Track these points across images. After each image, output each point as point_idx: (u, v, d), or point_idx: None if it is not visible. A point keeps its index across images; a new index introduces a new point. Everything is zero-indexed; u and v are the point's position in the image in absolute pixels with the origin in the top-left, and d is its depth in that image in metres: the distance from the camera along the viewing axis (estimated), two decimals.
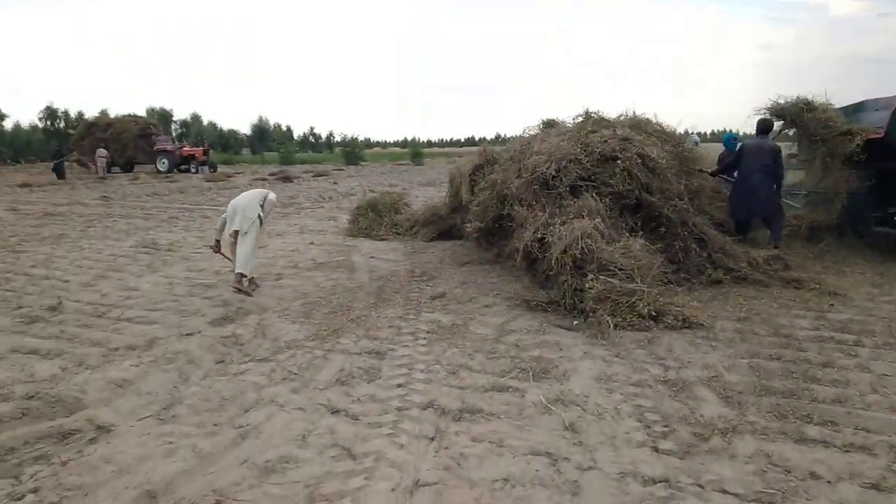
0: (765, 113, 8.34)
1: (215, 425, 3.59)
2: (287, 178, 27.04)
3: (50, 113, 55.33)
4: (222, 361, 4.64)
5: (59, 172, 27.64)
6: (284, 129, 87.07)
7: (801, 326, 5.24)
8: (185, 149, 36.18)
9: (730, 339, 4.93)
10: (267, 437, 3.42)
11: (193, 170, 33.88)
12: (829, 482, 2.91)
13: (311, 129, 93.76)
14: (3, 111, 51.51)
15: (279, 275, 7.55)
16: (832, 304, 5.91)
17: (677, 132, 8.39)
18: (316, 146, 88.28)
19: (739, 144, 8.46)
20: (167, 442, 3.39)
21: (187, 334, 5.19)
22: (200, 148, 36.92)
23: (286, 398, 3.94)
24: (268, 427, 3.55)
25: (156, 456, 3.24)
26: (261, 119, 75.33)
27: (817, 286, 6.44)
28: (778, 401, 3.78)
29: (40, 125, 56.05)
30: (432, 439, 3.36)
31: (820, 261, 7.64)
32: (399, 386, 4.11)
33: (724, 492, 2.82)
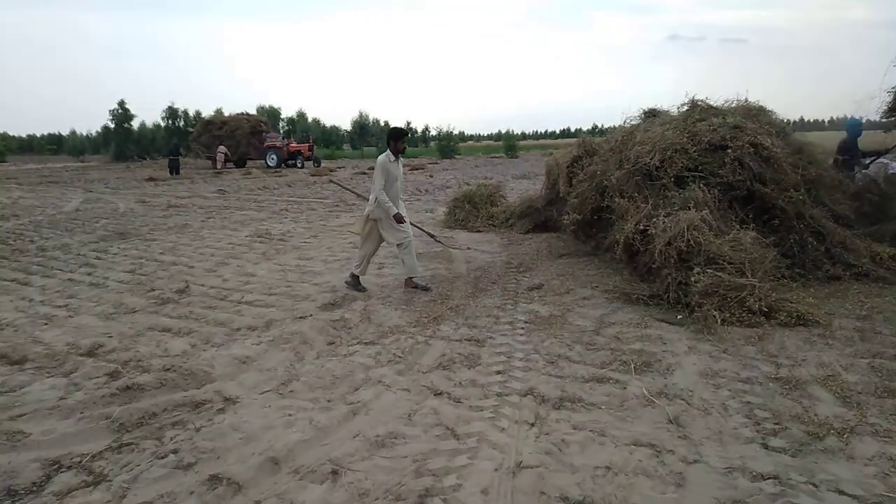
0: None
1: (329, 401, 3.85)
2: None
3: (171, 112, 59.89)
4: (333, 343, 4.94)
5: (174, 168, 29.73)
6: (383, 124, 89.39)
7: None
8: (292, 145, 38.10)
9: (849, 338, 4.64)
10: (376, 414, 3.63)
11: (299, 164, 35.62)
12: None
13: (408, 123, 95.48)
14: (131, 111, 56.26)
15: (381, 264, 7.86)
16: None
17: (789, 121, 7.89)
18: (412, 140, 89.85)
19: None
20: (287, 414, 3.68)
21: (301, 317, 5.56)
22: (306, 144, 38.73)
23: (392, 379, 4.15)
24: (376, 405, 3.76)
25: (277, 426, 3.53)
26: (361, 115, 77.65)
27: None
28: None
29: (162, 124, 60.78)
30: (532, 425, 3.44)
31: None
32: (498, 373, 4.21)
33: (841, 492, 2.70)
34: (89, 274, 7.71)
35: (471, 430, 3.40)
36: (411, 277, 6.53)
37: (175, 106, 60.21)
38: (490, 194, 11.82)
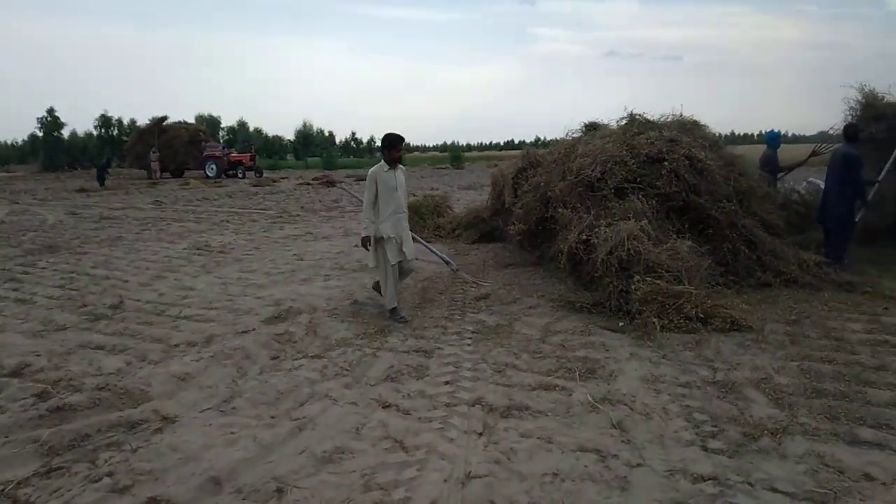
0: (855, 117, 8.13)
1: (273, 417, 3.76)
2: (330, 183, 27.52)
3: (104, 121, 57.53)
4: (277, 357, 4.82)
5: (101, 180, 28.55)
6: (327, 134, 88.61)
7: (854, 330, 5.14)
8: (233, 154, 37.19)
9: (780, 342, 4.87)
10: (322, 429, 3.57)
11: (240, 175, 34.81)
12: (883, 484, 2.87)
13: (353, 134, 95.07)
14: (62, 119, 53.74)
15: (327, 276, 7.75)
16: (886, 308, 5.76)
17: (721, 135, 8.29)
18: (357, 151, 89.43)
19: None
20: (229, 432, 3.56)
21: (243, 332, 5.41)
22: (247, 154, 37.90)
23: (339, 393, 4.09)
24: (323, 420, 3.69)
25: (218, 445, 3.41)
26: (305, 125, 76.75)
27: (870, 290, 6.29)
28: (830, 403, 3.73)
29: (95, 133, 58.30)
30: (481, 434, 3.45)
31: (875, 264, 7.42)
32: (447, 383, 4.21)
33: (775, 490, 2.82)
34: (15, 290, 7.28)
35: (419, 441, 3.38)
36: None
37: (109, 114, 57.93)
38: (436, 205, 11.85)
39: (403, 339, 5.16)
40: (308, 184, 27.65)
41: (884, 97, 8.44)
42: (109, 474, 3.12)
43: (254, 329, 5.49)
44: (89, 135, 59.80)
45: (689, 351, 4.74)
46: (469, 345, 5.02)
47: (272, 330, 5.44)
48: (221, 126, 71.88)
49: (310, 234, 11.89)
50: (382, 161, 5.82)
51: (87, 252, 9.96)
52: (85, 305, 6.46)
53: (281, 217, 14.96)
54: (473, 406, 3.82)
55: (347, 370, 4.50)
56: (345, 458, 3.24)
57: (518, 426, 3.54)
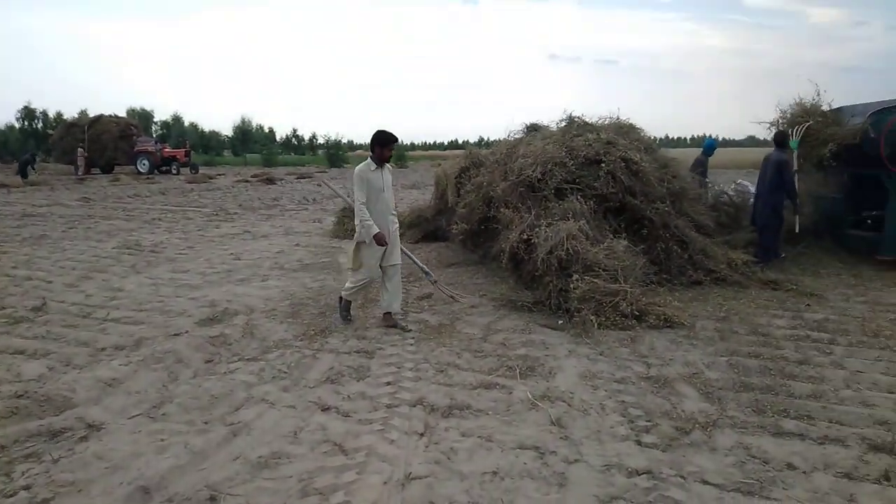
0: (782, 125, 8.53)
1: (206, 423, 3.62)
2: (270, 180, 26.95)
3: (27, 113, 54.34)
4: (211, 361, 4.66)
5: (23, 174, 27.19)
6: (267, 130, 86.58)
7: (779, 326, 5.40)
8: (167, 150, 35.86)
9: (710, 338, 5.07)
10: (258, 434, 3.46)
11: (175, 171, 33.60)
12: (804, 472, 3.02)
13: (294, 130, 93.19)
14: None
15: (265, 276, 7.56)
16: (808, 305, 6.09)
17: (656, 138, 8.57)
18: (298, 148, 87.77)
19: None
20: (159, 439, 3.41)
21: (175, 334, 5.20)
22: (182, 149, 36.62)
23: (276, 396, 3.98)
24: (259, 424, 3.59)
25: (148, 452, 3.26)
26: (243, 121, 74.61)
27: (794, 287, 6.64)
28: (756, 396, 3.90)
29: (17, 125, 55.02)
30: (422, 435, 3.43)
31: (797, 263, 7.85)
32: (388, 384, 4.17)
33: (705, 482, 2.93)
34: None
35: (359, 444, 3.33)
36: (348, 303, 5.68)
37: (32, 106, 54.71)
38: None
39: (344, 340, 5.09)
40: (247, 181, 26.95)
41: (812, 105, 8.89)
42: (27, 487, 2.94)
43: (187, 331, 5.28)
44: (10, 127, 56.34)
45: (625, 347, 4.87)
46: (411, 345, 5.00)
47: (206, 332, 5.25)
48: (155, 120, 69.14)
49: (248, 232, 11.58)
50: (369, 160, 5.39)
51: (6, 251, 9.36)
52: (4, 308, 6.07)
53: (217, 215, 14.51)
54: (415, 406, 3.80)
55: (286, 373, 4.39)
56: (281, 463, 3.15)
57: (459, 426, 3.54)
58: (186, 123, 74.26)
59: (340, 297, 5.68)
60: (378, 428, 3.51)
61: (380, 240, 5.27)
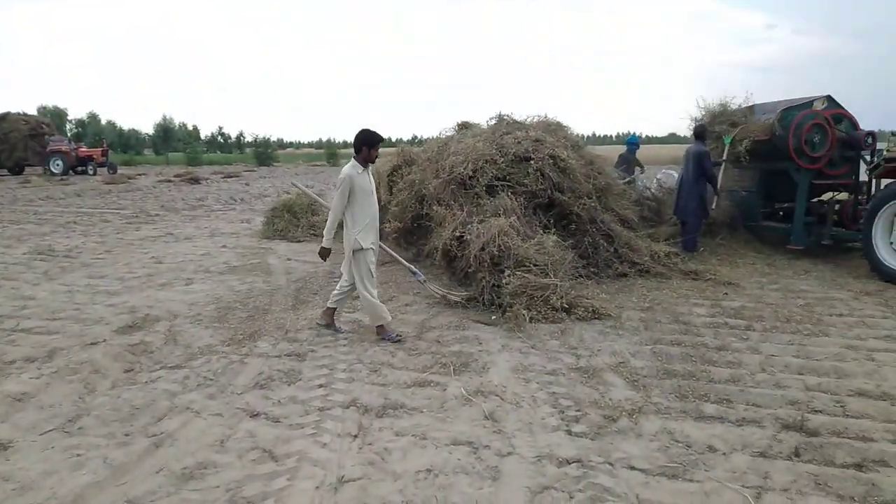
0: (700, 119, 8.93)
1: (126, 435, 3.44)
2: (194, 180, 25.95)
3: None
4: (131, 370, 4.43)
5: None
6: (191, 128, 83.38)
7: (699, 314, 5.66)
8: (82, 149, 33.86)
9: (635, 328, 5.26)
10: (183, 445, 3.32)
11: (91, 171, 31.80)
12: (724, 454, 3.17)
13: (220, 128, 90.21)
14: None
15: (189, 279, 7.27)
16: (726, 293, 6.41)
17: (583, 135, 8.86)
18: (225, 146, 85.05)
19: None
20: (74, 455, 3.22)
21: (92, 343, 4.91)
22: (99, 149, 34.70)
23: (202, 404, 3.83)
24: (183, 434, 3.44)
25: (62, 470, 3.07)
26: (165, 118, 71.59)
27: (713, 277, 6.98)
28: (679, 382, 4.07)
29: None
30: (355, 436, 3.38)
31: (715, 254, 8.25)
32: (320, 386, 4.09)
33: (632, 468, 3.03)
34: None
35: (290, 449, 3.25)
36: (334, 310, 5.34)
37: None
38: (311, 203, 11.53)
39: (274, 344, 4.95)
40: (169, 181, 25.85)
41: (728, 104, 9.37)
42: None
43: (104, 340, 5.00)
44: None
45: (556, 340, 4.98)
46: (344, 345, 4.93)
47: (126, 340, 4.99)
48: (69, 118, 65.33)
49: (170, 234, 11.09)
50: (355, 162, 4.99)
51: None
52: None
53: (137, 217, 13.83)
54: (348, 408, 3.74)
55: (212, 380, 4.23)
56: (208, 473, 3.03)
57: (393, 425, 3.51)
58: (103, 121, 70.57)
59: (330, 310, 5.32)
60: (310, 432, 3.44)
61: (322, 255, 5.32)
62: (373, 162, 5.17)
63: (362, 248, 5.00)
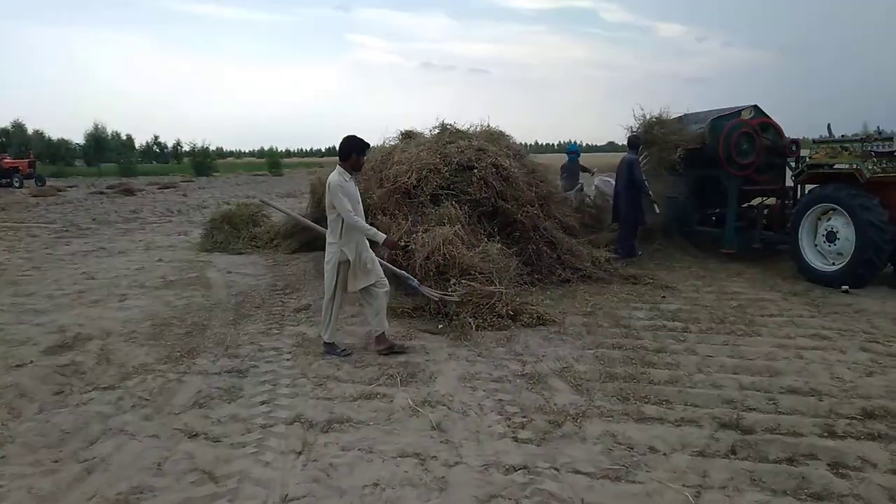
0: (634, 129, 9.20)
1: (55, 461, 3.26)
2: (128, 191, 24.97)
3: None
4: (61, 392, 4.21)
5: None
6: (124, 137, 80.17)
7: (639, 317, 5.82)
8: (7, 160, 32.07)
9: (578, 333, 5.36)
10: (117, 469, 3.16)
11: (17, 184, 30.14)
12: (665, 454, 3.26)
13: (156, 137, 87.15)
14: None
15: (123, 295, 6.97)
16: (664, 297, 6.63)
17: (525, 144, 9.03)
18: (161, 156, 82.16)
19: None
20: None
21: (17, 366, 4.63)
22: (25, 160, 32.94)
23: (137, 426, 3.67)
24: (117, 458, 3.28)
25: None
26: (97, 127, 68.43)
27: (651, 281, 7.20)
28: (621, 385, 4.17)
29: None
30: (300, 453, 3.31)
31: (653, 259, 8.53)
32: (263, 403, 3.98)
33: (577, 472, 3.07)
34: None
35: (231, 469, 3.15)
36: (383, 333, 4.91)
37: None
38: (252, 214, 11.29)
39: (214, 360, 4.80)
40: (102, 193, 24.78)
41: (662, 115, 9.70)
42: None
43: (31, 361, 4.72)
44: None
45: (502, 347, 5.02)
46: (288, 360, 4.82)
47: (55, 361, 4.73)
48: None
49: (103, 249, 10.61)
50: (342, 169, 4.74)
51: None
52: None
53: (68, 231, 13.18)
54: (292, 424, 3.66)
55: (147, 400, 4.06)
56: (144, 498, 2.90)
57: (339, 440, 3.45)
58: (30, 131, 66.90)
59: (379, 338, 4.90)
60: (252, 450, 3.34)
61: (391, 244, 5.08)
62: (359, 170, 5.02)
63: (348, 261, 4.75)
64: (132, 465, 3.21)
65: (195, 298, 6.83)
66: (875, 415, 3.65)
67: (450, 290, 5.64)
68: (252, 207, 11.70)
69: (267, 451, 3.34)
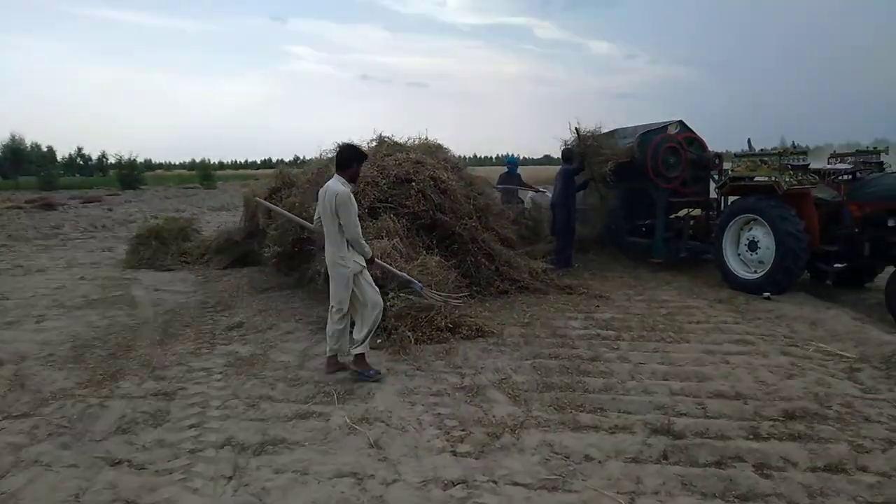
0: (568, 143, 9.40)
1: None
2: (49, 206, 23.59)
3: None
4: None
5: None
6: (45, 149, 75.89)
7: (574, 327, 5.93)
8: None
9: (516, 344, 5.41)
10: (30, 503, 2.95)
11: None
12: (599, 462, 3.32)
13: (79, 149, 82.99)
14: None
15: (41, 316, 6.55)
16: (598, 306, 6.79)
17: (464, 157, 9.10)
18: (85, 169, 78.28)
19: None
20: None
21: None
22: None
23: (54, 456, 3.44)
24: (30, 492, 3.06)
25: None
26: (14, 138, 64.51)
27: (586, 291, 7.37)
28: (557, 395, 4.22)
29: None
30: (230, 478, 3.17)
31: (587, 269, 8.73)
32: (191, 427, 3.81)
33: (515, 483, 3.08)
34: None
35: (157, 498, 2.99)
36: (361, 354, 4.65)
37: None
38: (181, 228, 10.87)
39: (139, 383, 4.56)
40: (20, 207, 23.33)
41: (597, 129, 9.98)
42: None
43: None
44: None
45: (441, 360, 5.00)
46: (219, 380, 4.64)
47: None
48: None
49: (20, 267, 9.96)
50: (343, 179, 4.59)
51: None
52: None
53: None
54: (222, 448, 3.51)
55: (66, 427, 3.81)
56: None
57: (272, 462, 3.34)
58: None
59: (357, 357, 4.65)
60: (179, 477, 3.18)
61: (369, 262, 4.77)
62: (355, 181, 4.84)
63: (362, 268, 4.63)
64: (47, 499, 3.00)
65: (119, 318, 6.50)
66: (795, 416, 3.83)
67: (388, 303, 5.58)
68: (181, 221, 11.28)
69: (195, 477, 3.19)
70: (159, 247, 10.07)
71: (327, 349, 4.79)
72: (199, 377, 4.70)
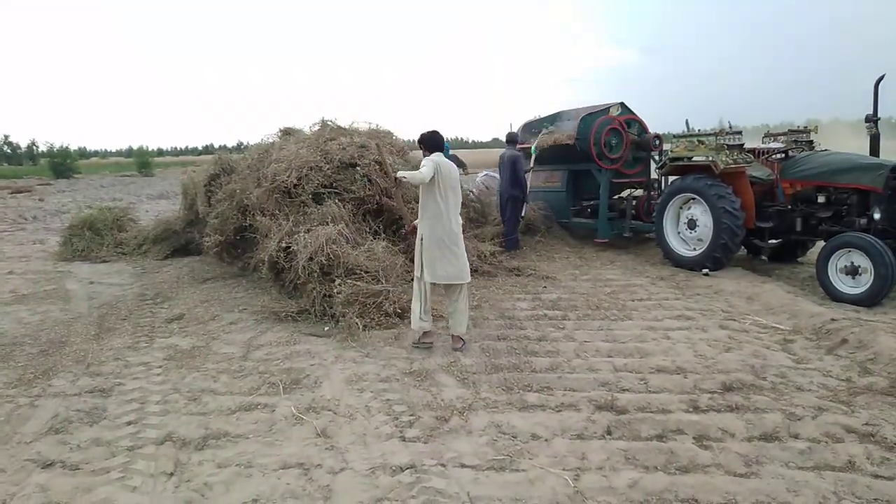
0: (512, 126, 9.43)
1: None
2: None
3: None
4: None
5: None
6: None
7: (522, 308, 6.00)
8: None
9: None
10: None
11: None
12: (546, 440, 3.36)
13: (6, 137, 78.50)
14: None
15: None
16: (545, 287, 6.88)
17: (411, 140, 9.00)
18: (13, 157, 74.15)
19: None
20: None
21: None
22: None
23: None
24: None
25: None
26: None
27: (533, 272, 7.46)
28: (505, 375, 4.26)
29: None
30: (171, 474, 3.08)
31: (535, 250, 8.82)
32: (129, 423, 3.67)
33: (463, 465, 3.09)
34: None
35: (93, 499, 2.87)
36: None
37: None
38: (117, 218, 10.42)
39: (73, 380, 4.36)
40: None
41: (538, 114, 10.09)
42: None
43: None
44: None
45: (390, 346, 4.97)
46: (158, 375, 4.48)
47: None
48: None
49: None
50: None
51: None
52: None
53: None
54: (162, 444, 3.39)
55: None
56: None
57: (215, 456, 3.25)
58: None
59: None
60: (116, 476, 3.06)
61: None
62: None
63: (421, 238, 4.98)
64: None
65: (52, 313, 6.19)
66: (733, 388, 3.98)
67: (335, 290, 5.50)
68: (117, 211, 10.80)
69: (134, 475, 3.08)
70: (94, 238, 9.65)
71: (461, 329, 4.94)
72: (138, 372, 4.52)
